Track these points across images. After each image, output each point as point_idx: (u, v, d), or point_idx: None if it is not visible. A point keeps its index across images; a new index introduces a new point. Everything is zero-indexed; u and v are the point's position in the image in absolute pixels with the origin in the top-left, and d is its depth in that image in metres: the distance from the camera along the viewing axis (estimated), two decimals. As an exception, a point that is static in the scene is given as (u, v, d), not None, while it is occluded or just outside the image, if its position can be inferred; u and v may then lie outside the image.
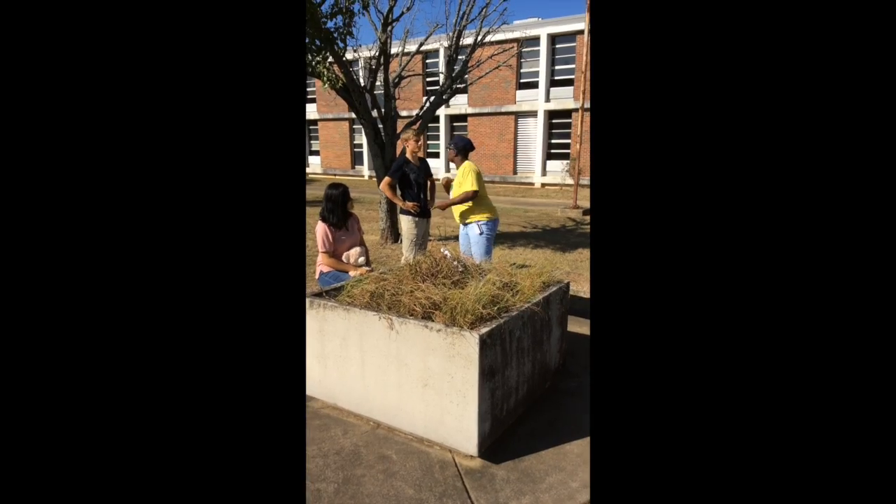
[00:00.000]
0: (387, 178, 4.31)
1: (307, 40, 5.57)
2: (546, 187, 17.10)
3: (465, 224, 4.00)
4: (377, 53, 6.40)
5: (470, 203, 3.89)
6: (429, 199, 4.36)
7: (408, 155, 4.24)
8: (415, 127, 4.36)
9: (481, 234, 3.88)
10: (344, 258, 3.46)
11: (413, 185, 4.20)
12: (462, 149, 4.00)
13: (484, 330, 2.00)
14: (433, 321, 2.13)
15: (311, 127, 23.23)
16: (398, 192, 4.32)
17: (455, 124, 19.51)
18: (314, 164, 23.54)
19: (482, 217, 3.92)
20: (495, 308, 2.22)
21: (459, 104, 18.49)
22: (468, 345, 1.98)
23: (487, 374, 2.04)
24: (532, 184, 17.69)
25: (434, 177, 4.40)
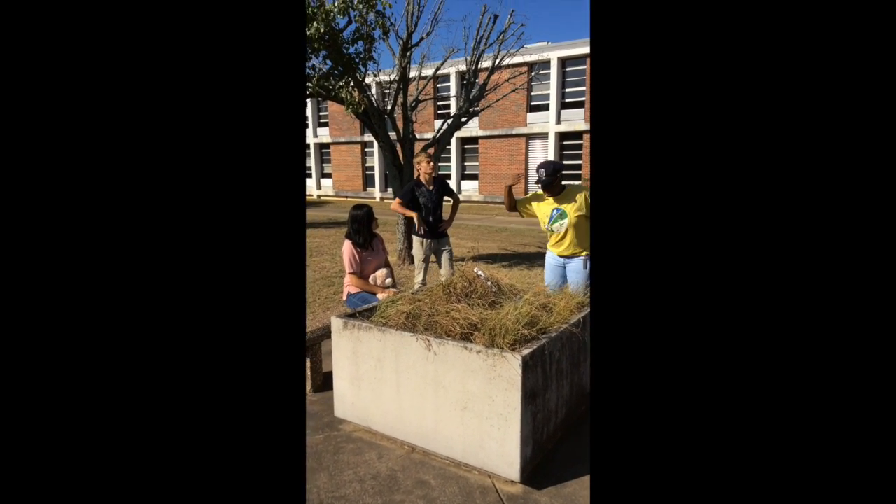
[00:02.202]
0: (397, 200, 4.44)
1: (329, 65, 5.68)
2: (558, 208, 17.11)
3: (568, 257, 3.34)
4: (397, 78, 6.51)
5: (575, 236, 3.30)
6: (444, 219, 4.39)
7: (421, 177, 4.31)
8: (429, 150, 4.40)
9: (586, 268, 3.30)
10: (371, 280, 3.45)
11: (422, 209, 4.27)
12: (548, 182, 3.23)
13: (526, 351, 1.97)
14: (472, 342, 2.10)
15: (323, 150, 23.58)
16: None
17: (466, 146, 19.69)
18: (326, 187, 23.80)
19: (587, 251, 3.32)
20: (534, 329, 2.19)
21: (471, 126, 18.69)
22: (510, 366, 1.95)
23: (529, 396, 2.00)
24: (544, 205, 17.69)
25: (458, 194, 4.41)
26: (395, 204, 4.40)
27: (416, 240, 4.35)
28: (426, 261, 4.36)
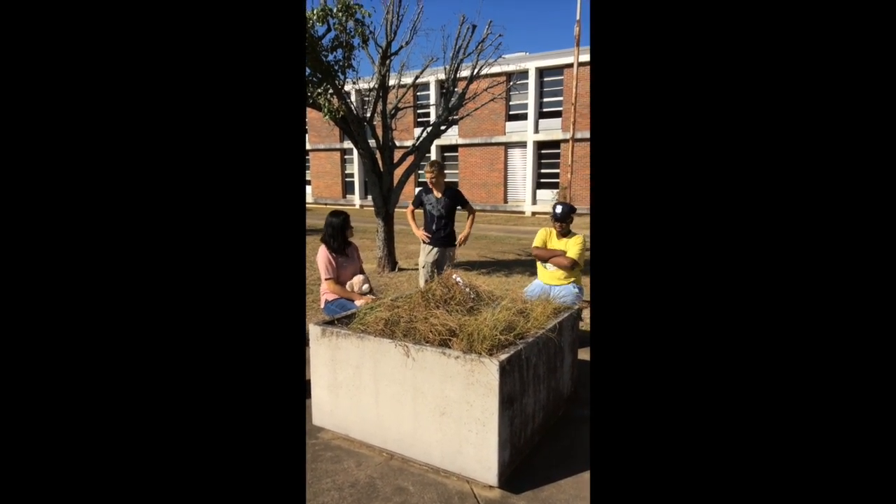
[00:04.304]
0: (409, 207, 4.62)
1: (308, 73, 5.66)
2: (536, 215, 17.28)
3: (554, 285, 3.74)
4: (376, 86, 6.52)
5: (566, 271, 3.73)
6: (458, 232, 4.42)
7: (429, 184, 4.40)
8: (433, 161, 4.51)
9: (579, 290, 3.72)
10: (347, 286, 3.44)
11: (427, 216, 4.39)
12: (563, 215, 3.71)
13: (503, 356, 1.99)
14: (450, 348, 2.11)
15: (302, 157, 23.40)
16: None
17: (446, 154, 19.79)
18: (306, 194, 23.60)
19: (573, 280, 3.75)
20: (511, 334, 2.22)
21: (450, 135, 18.81)
22: (488, 372, 1.97)
23: (507, 401, 2.02)
24: (522, 212, 17.88)
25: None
26: (406, 212, 4.62)
27: (421, 246, 4.48)
28: (425, 267, 4.42)
